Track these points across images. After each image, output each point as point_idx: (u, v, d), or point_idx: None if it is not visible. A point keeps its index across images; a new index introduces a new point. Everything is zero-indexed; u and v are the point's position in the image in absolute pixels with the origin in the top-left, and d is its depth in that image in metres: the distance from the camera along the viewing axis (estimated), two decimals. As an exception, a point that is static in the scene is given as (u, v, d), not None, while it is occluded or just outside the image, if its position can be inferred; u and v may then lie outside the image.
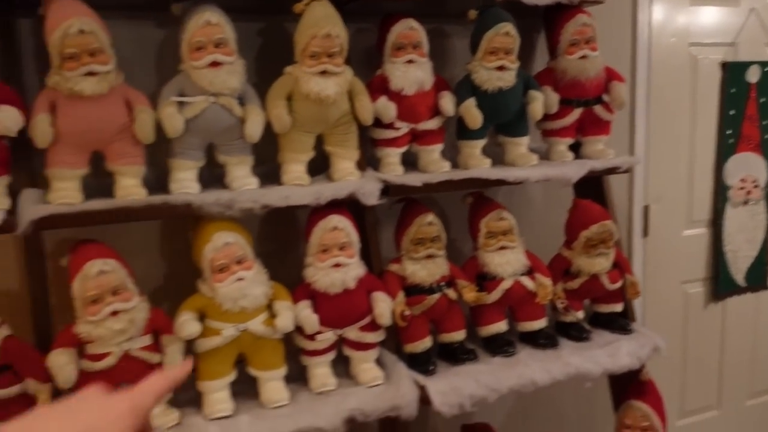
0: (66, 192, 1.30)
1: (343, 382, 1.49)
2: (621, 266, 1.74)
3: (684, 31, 2.28)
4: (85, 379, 1.25)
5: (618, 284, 1.73)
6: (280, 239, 1.77)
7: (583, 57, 1.71)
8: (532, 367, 1.55)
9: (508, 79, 1.62)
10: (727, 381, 2.60)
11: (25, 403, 1.26)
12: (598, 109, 1.77)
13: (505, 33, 1.60)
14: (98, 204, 1.30)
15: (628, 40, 2.19)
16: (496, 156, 1.73)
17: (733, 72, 2.37)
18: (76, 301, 1.24)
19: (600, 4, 1.80)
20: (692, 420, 2.56)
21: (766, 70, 2.42)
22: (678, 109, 2.32)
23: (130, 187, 1.34)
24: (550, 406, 2.21)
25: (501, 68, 1.61)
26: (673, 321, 2.45)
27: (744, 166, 2.44)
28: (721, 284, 2.48)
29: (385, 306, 1.46)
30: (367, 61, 1.70)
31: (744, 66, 2.38)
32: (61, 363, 1.23)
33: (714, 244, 2.45)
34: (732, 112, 2.39)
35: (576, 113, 1.76)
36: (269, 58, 1.66)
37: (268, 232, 1.74)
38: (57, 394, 1.30)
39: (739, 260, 2.50)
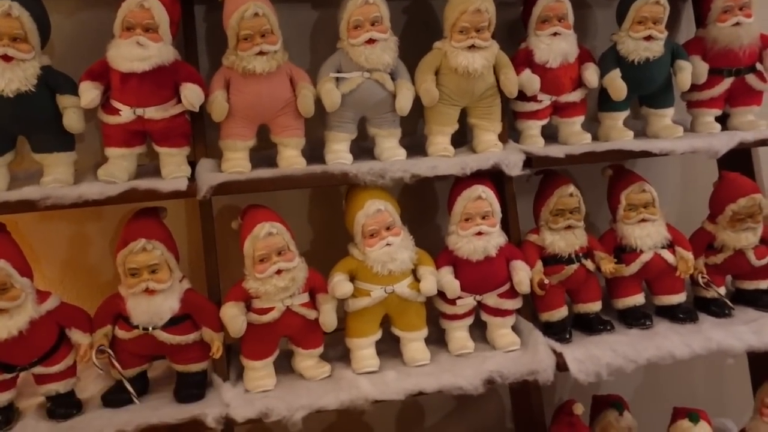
0: (238, 161, 1.44)
1: (480, 347, 1.56)
2: (769, 241, 1.69)
3: None
4: (252, 330, 1.40)
5: (766, 260, 1.68)
6: (419, 209, 1.85)
7: (737, 24, 1.65)
8: (671, 340, 1.55)
9: (655, 49, 1.60)
10: None
11: (202, 349, 1.42)
12: (751, 78, 1.71)
13: (655, 2, 1.58)
14: (266, 173, 1.43)
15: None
16: (636, 128, 1.71)
17: None
18: (246, 260, 1.38)
19: (755, -32, 1.71)
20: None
21: None
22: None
23: (292, 158, 1.47)
24: (682, 382, 2.18)
25: (649, 38, 1.60)
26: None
27: None
28: None
29: (524, 274, 1.51)
30: (509, 36, 1.72)
31: None
32: (233, 314, 1.38)
33: None
34: None
35: (726, 83, 1.70)
36: (413, 35, 1.72)
37: (407, 203, 1.82)
38: (228, 342, 1.46)
39: None
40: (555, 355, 1.49)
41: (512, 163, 1.51)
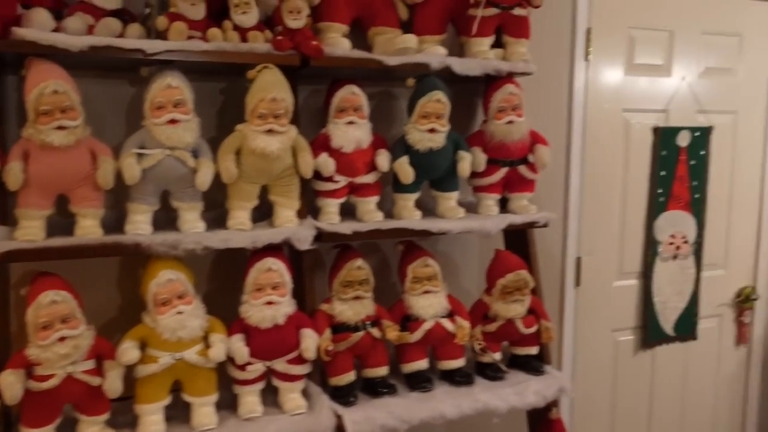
0: (30, 230, 1.48)
1: (270, 410, 1.65)
2: (537, 312, 1.92)
3: (618, 98, 2.49)
4: (32, 397, 1.41)
5: (532, 329, 1.90)
6: (230, 278, 1.94)
7: (510, 122, 1.91)
8: (444, 402, 1.72)
9: (438, 140, 1.82)
10: (656, 427, 2.76)
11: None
12: (523, 169, 1.96)
13: (437, 100, 1.80)
14: (57, 241, 1.48)
15: (564, 104, 2.39)
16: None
17: (664, 136, 2.57)
18: (29, 327, 1.41)
19: (529, 75, 2.00)
20: (622, 460, 2.72)
21: (695, 134, 2.62)
22: (611, 169, 2.52)
23: (88, 227, 1.52)
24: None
25: (432, 130, 1.81)
26: (603, 367, 2.61)
27: (673, 223, 2.63)
28: (650, 333, 2.66)
29: (311, 341, 1.63)
30: (320, 119, 1.89)
31: (675, 131, 2.59)
32: (9, 382, 1.38)
33: (644, 295, 2.63)
34: (663, 173, 2.59)
35: (502, 172, 1.95)
36: (230, 113, 1.85)
37: (218, 272, 1.92)
38: (6, 409, 1.46)
39: (668, 311, 2.67)
40: (336, 418, 1.61)
41: (302, 237, 1.65)
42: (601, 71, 2.45)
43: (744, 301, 2.83)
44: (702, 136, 2.64)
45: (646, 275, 2.62)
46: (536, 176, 1.99)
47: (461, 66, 1.84)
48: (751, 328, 2.89)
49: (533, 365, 1.93)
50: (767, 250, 2.87)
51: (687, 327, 2.73)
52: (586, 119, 2.43)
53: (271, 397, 1.68)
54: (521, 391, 1.80)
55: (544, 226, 1.97)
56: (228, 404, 1.64)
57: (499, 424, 2.32)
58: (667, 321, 2.68)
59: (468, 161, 1.87)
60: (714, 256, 2.75)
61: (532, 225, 1.95)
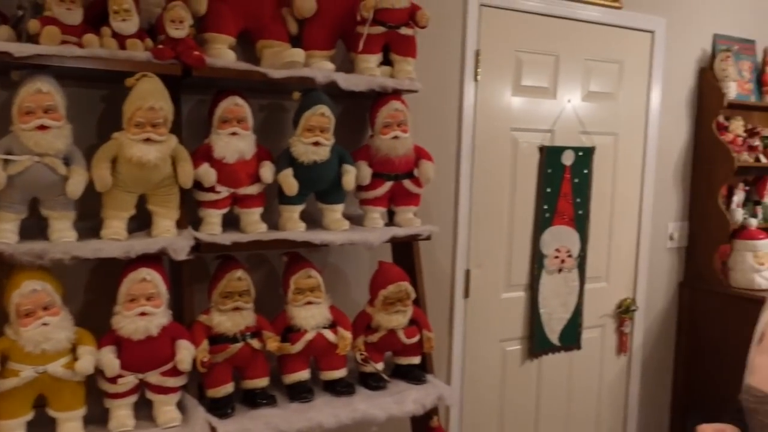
0: None
1: (143, 424, 1.62)
2: (419, 323, 1.97)
3: (506, 118, 2.60)
4: None
5: (414, 339, 1.95)
6: (109, 289, 1.89)
7: (395, 137, 1.97)
8: (322, 412, 1.73)
9: (322, 153, 1.84)
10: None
11: None
12: (407, 183, 2.02)
13: (321, 114, 1.83)
14: None
15: (455, 122, 2.48)
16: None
17: (549, 155, 2.70)
18: None
19: (415, 92, 2.06)
20: (509, 467, 2.81)
21: (579, 154, 2.77)
22: (500, 185, 2.62)
23: (-54, 235, 1.46)
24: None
25: (316, 144, 1.83)
26: (492, 376, 2.70)
27: (558, 237, 2.76)
28: (536, 343, 2.77)
29: (186, 353, 1.61)
30: (208, 129, 1.88)
31: (560, 150, 2.73)
32: None
33: (530, 306, 2.74)
34: (549, 190, 2.72)
35: (387, 186, 2.00)
36: (111, 121, 1.81)
37: (96, 283, 1.87)
38: None
39: (554, 322, 2.80)
40: (211, 430, 1.59)
41: (179, 248, 1.64)
42: (490, 91, 2.55)
43: (624, 311, 3.00)
44: (585, 155, 2.79)
45: (533, 287, 2.74)
46: (421, 190, 2.06)
47: (347, 81, 1.88)
48: (630, 338, 3.05)
49: (415, 374, 1.98)
50: (645, 264, 3.05)
51: (571, 337, 2.86)
52: (475, 137, 2.52)
53: (145, 410, 1.65)
54: (401, 400, 1.84)
55: (427, 238, 2.03)
56: (99, 419, 1.60)
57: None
58: (553, 331, 2.81)
59: (352, 174, 1.91)
60: (596, 270, 2.90)
61: (415, 238, 2.01)
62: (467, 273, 2.57)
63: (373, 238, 1.89)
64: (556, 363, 2.85)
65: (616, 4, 2.80)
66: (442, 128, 2.45)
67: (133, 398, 1.62)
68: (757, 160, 3.17)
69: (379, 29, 1.97)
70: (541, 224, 2.72)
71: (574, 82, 2.75)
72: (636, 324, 3.06)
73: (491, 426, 2.73)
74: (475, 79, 2.49)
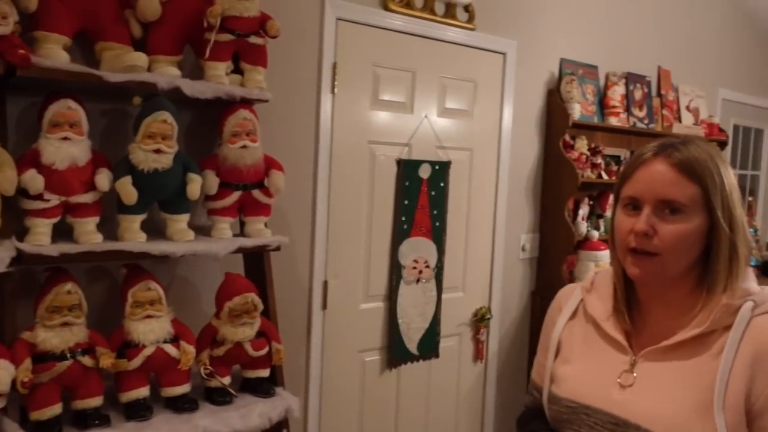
0: None
1: (-48, 452, 1.48)
2: (267, 335, 1.94)
3: (364, 131, 2.64)
4: None
5: (262, 351, 1.92)
6: None
7: (243, 147, 1.94)
8: (160, 430, 1.66)
9: (164, 161, 1.78)
10: (402, 440, 2.92)
11: None
12: (257, 193, 2.00)
13: (163, 120, 1.77)
14: None
15: (312, 134, 2.48)
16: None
17: (407, 168, 2.78)
18: None
19: (265, 102, 2.05)
20: (369, 477, 2.82)
21: (436, 168, 2.86)
22: (357, 197, 2.65)
23: None
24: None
25: (158, 151, 1.77)
26: (351, 387, 2.71)
27: (416, 248, 2.83)
28: (395, 353, 2.81)
29: (3, 373, 1.49)
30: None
31: (417, 163, 2.81)
32: None
33: (389, 316, 2.79)
34: (406, 202, 2.79)
35: (235, 195, 1.96)
36: None
37: None
38: None
39: (412, 331, 2.86)
40: (31, 455, 1.48)
41: (-2, 260, 1.52)
42: (348, 104, 2.58)
43: (480, 320, 3.11)
44: (441, 169, 2.89)
45: (391, 298, 2.78)
46: (272, 201, 2.04)
47: (192, 88, 1.84)
48: (486, 345, 3.18)
49: (264, 387, 1.95)
50: (500, 274, 3.19)
51: (430, 346, 2.93)
52: (333, 149, 2.54)
53: (-43, 438, 1.51)
54: (246, 414, 1.80)
55: (277, 249, 2.02)
56: None
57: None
58: (411, 340, 2.86)
59: (197, 183, 1.86)
60: (453, 280, 3.00)
61: (264, 248, 1.98)
62: (325, 284, 2.57)
63: (218, 249, 1.85)
64: (415, 372, 2.91)
65: (470, 26, 2.93)
66: (298, 139, 2.45)
67: (-59, 425, 1.48)
68: (600, 176, 3.43)
69: (228, 37, 1.94)
70: (399, 235, 2.78)
71: (431, 98, 2.85)
72: (491, 331, 3.19)
73: (351, 437, 2.74)
74: (332, 92, 2.52)
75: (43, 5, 1.71)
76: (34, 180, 1.62)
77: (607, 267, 1.26)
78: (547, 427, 1.22)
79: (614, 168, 3.55)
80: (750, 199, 4.75)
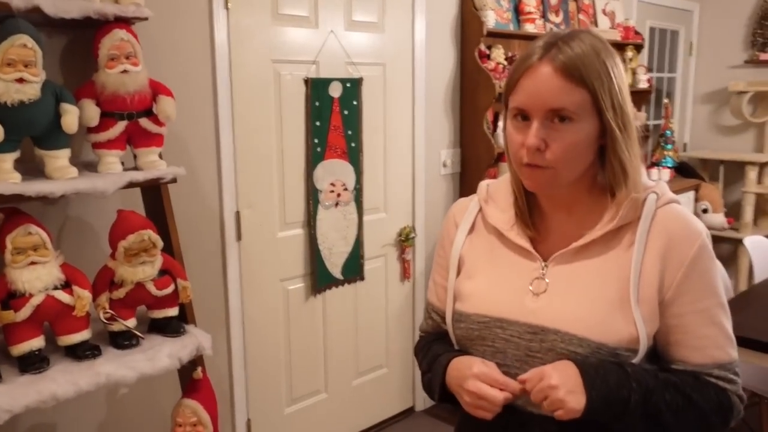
0: None
1: None
2: (171, 272, 1.83)
3: (266, 49, 2.47)
4: None
5: (167, 290, 1.81)
6: None
7: (124, 72, 1.76)
8: (57, 381, 1.56)
9: (29, 92, 1.59)
10: (333, 365, 2.90)
11: None
12: (145, 122, 1.84)
13: (22, 45, 1.57)
14: None
15: (207, 55, 2.30)
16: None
17: (316, 87, 2.64)
18: None
19: (144, 20, 1.86)
20: (302, 405, 2.80)
21: (347, 85, 2.73)
22: (265, 121, 2.51)
23: None
24: (145, 408, 2.26)
25: (20, 80, 1.58)
26: (275, 316, 2.65)
27: (332, 171, 2.74)
28: (319, 279, 2.76)
29: None
30: None
31: (326, 82, 2.67)
32: None
33: (309, 243, 2.71)
34: (318, 123, 2.66)
35: (121, 126, 1.80)
36: None
37: None
38: None
39: (335, 256, 2.80)
40: None
41: None
42: (245, 21, 2.40)
43: (405, 240, 3.08)
44: (353, 86, 2.76)
45: (310, 224, 2.70)
46: (162, 129, 1.88)
47: (54, 7, 1.63)
48: (413, 264, 3.16)
49: (173, 327, 1.85)
50: (422, 192, 3.14)
51: (354, 269, 2.89)
52: (232, 71, 2.37)
53: None
54: (153, 356, 1.71)
55: (173, 181, 1.88)
56: None
57: (156, 390, 2.24)
58: (335, 265, 2.81)
59: (73, 114, 1.68)
60: (374, 201, 2.93)
61: (156, 182, 1.84)
62: (237, 214, 2.46)
63: (105, 186, 1.70)
64: (341, 296, 2.87)
65: (373, -70, 2.75)
66: (192, 62, 2.27)
67: None
68: (517, 85, 3.36)
69: (92, -53, 1.72)
70: (312, 159, 2.67)
71: (336, 10, 2.68)
72: (417, 250, 3.17)
73: (279, 366, 2.70)
74: (226, 7, 2.32)
75: None
76: None
77: (501, 177, 1.21)
78: (451, 349, 1.18)
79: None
80: (666, 101, 4.81)
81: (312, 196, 2.68)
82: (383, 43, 2.88)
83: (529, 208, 1.14)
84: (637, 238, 1.04)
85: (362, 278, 2.93)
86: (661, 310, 1.04)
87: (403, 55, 2.98)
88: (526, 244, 1.12)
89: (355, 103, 2.78)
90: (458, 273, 1.19)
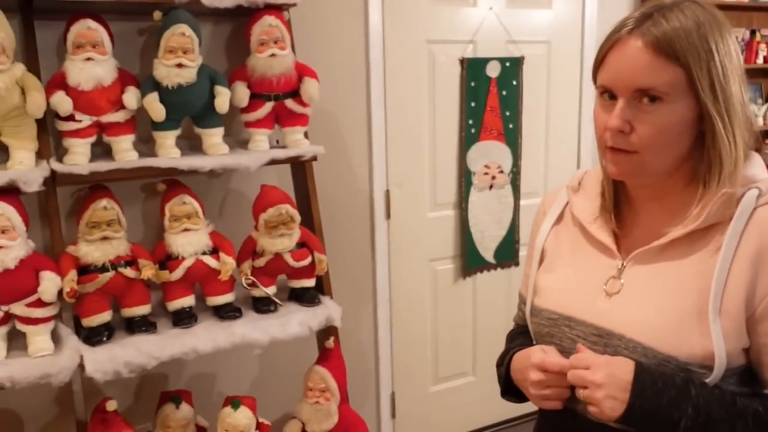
0: None
1: (15, 354, 1.63)
2: (309, 245, 1.93)
3: (421, 30, 2.48)
4: None
5: (304, 262, 1.92)
6: None
7: (272, 55, 1.88)
8: (199, 337, 1.73)
9: (187, 75, 1.77)
10: (482, 349, 2.86)
11: None
12: (290, 103, 1.95)
13: (181, 33, 1.75)
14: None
15: (361, 38, 2.37)
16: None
17: (472, 67, 2.59)
18: None
19: (293, 6, 1.96)
20: (448, 385, 2.81)
21: (506, 65, 2.65)
22: (418, 101, 2.53)
23: None
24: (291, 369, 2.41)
25: (179, 65, 1.76)
26: (422, 296, 2.68)
27: (487, 153, 2.68)
28: (469, 261, 2.73)
29: (48, 284, 1.60)
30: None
31: (483, 62, 2.61)
32: None
33: (461, 225, 2.69)
34: (473, 104, 2.62)
35: (268, 106, 1.93)
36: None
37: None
38: None
39: (487, 239, 2.75)
40: (80, 358, 1.60)
41: (31, 180, 1.60)
42: (401, 1, 2.42)
43: (566, 226, 2.92)
44: (513, 66, 2.67)
45: (462, 206, 2.67)
46: (307, 110, 1.98)
47: (209, -2, 1.80)
48: (574, 253, 2.99)
49: (309, 296, 1.96)
50: (588, 177, 2.95)
51: (508, 254, 2.81)
52: (386, 53, 2.42)
53: (21, 340, 1.66)
54: (285, 323, 1.83)
55: (313, 159, 1.97)
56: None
57: (294, 352, 2.37)
58: (487, 249, 2.76)
59: (225, 96, 1.84)
60: (533, 185, 2.82)
61: (296, 159, 1.95)
62: (387, 193, 2.52)
63: (248, 162, 1.84)
64: (493, 280, 2.82)
65: None
66: (347, 44, 2.35)
67: (4, 329, 1.63)
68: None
69: (249, -61, 1.86)
70: (466, 140, 2.63)
71: (497, -13, 2.61)
72: (580, 238, 2.99)
73: (426, 344, 2.73)
74: (381, -10, 2.37)
75: None
76: (62, 102, 1.68)
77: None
78: (529, 343, 1.11)
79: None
80: None
81: (465, 178, 2.66)
82: (549, 20, 2.74)
83: (617, 200, 1.03)
84: (726, 240, 0.89)
85: (517, 263, 2.84)
86: (750, 325, 0.89)
87: (570, 32, 2.81)
88: (607, 239, 1.02)
89: (514, 83, 2.69)
90: (540, 265, 1.11)
